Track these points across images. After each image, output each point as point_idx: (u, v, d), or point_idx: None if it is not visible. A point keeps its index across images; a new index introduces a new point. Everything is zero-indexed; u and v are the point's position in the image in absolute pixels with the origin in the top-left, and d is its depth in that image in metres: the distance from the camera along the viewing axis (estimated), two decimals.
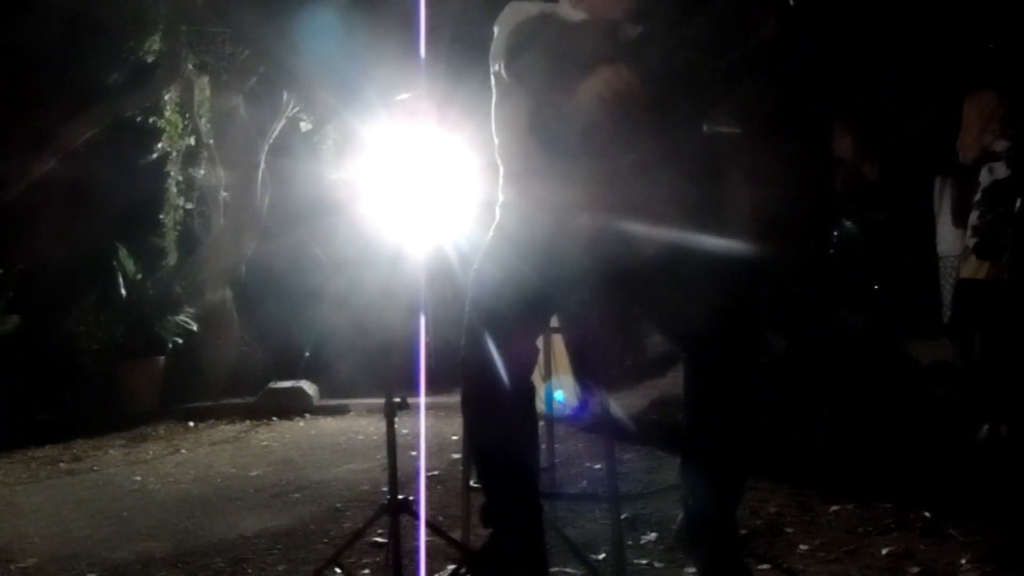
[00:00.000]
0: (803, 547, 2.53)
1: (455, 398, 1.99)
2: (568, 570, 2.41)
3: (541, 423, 2.40)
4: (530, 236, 1.99)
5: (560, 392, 4.22)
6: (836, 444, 3.70)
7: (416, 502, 2.30)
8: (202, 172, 6.73)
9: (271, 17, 5.93)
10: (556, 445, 2.96)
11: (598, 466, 3.64)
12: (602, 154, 1.94)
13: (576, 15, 2.05)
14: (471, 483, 2.43)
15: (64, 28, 5.86)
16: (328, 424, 5.53)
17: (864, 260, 4.44)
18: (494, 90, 2.11)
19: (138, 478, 4.23)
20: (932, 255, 4.31)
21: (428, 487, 3.46)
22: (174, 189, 6.68)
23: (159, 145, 6.59)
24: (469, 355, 1.95)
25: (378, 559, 2.60)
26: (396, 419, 2.32)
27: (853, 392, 4.21)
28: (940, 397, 4.27)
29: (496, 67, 2.07)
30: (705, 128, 2.08)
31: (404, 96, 2.52)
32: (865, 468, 3.31)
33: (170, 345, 6.32)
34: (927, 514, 2.67)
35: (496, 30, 2.09)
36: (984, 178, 3.53)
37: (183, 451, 4.87)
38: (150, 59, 6.41)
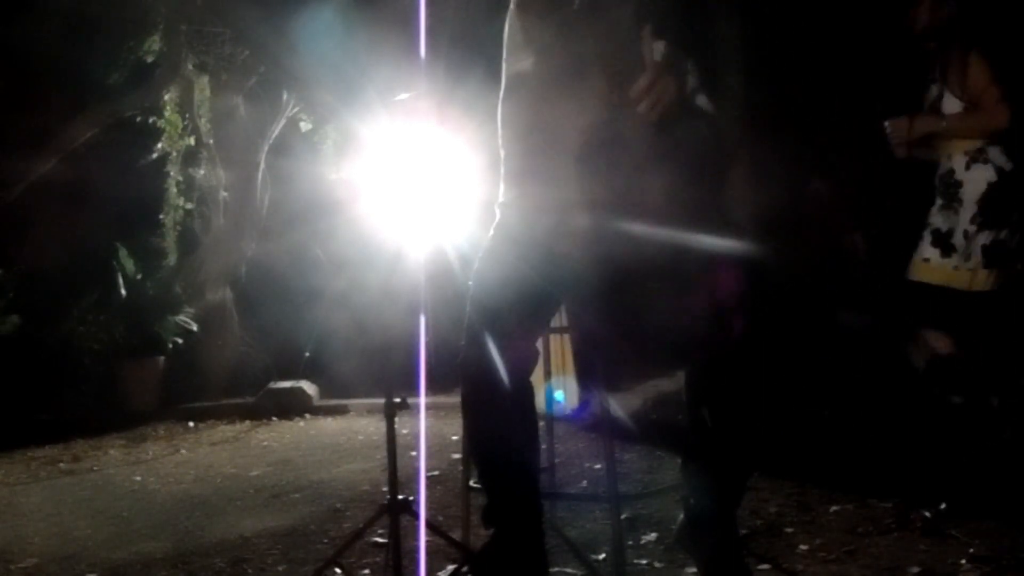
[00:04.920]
0: (803, 547, 2.53)
1: (455, 398, 2.00)
2: (568, 570, 2.41)
3: (541, 423, 2.40)
4: (530, 236, 1.99)
5: (560, 392, 4.22)
6: (836, 444, 3.70)
7: (416, 502, 2.30)
8: (202, 172, 6.74)
9: (271, 17, 5.92)
10: (556, 445, 2.96)
11: (598, 466, 3.63)
12: (602, 154, 1.94)
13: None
14: (471, 483, 2.43)
15: (64, 28, 5.86)
16: (328, 424, 5.53)
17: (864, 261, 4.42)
18: (502, 86, 2.10)
19: (138, 478, 4.23)
20: None
21: (428, 487, 3.46)
22: (174, 189, 6.69)
23: (159, 145, 6.59)
24: (469, 355, 1.95)
25: (378, 559, 2.60)
26: (396, 419, 2.32)
27: (853, 392, 4.21)
28: (940, 397, 4.26)
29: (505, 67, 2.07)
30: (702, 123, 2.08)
31: (404, 96, 2.52)
32: (865, 468, 3.31)
33: (170, 345, 6.33)
34: (927, 514, 2.67)
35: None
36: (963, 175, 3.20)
37: (183, 451, 4.87)
38: (150, 59, 6.42)
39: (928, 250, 3.27)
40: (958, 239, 3.19)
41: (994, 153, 3.16)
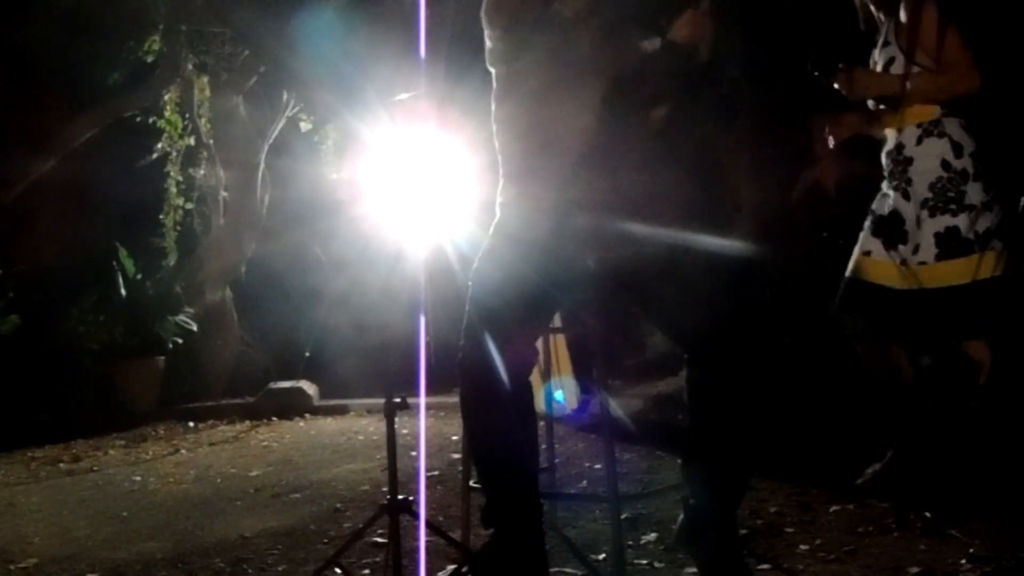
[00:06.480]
0: (803, 547, 2.53)
1: (455, 398, 2.00)
2: (568, 570, 2.41)
3: (541, 423, 2.40)
4: (530, 236, 1.99)
5: (560, 392, 4.22)
6: (836, 444, 3.70)
7: (416, 502, 2.30)
8: (202, 172, 6.74)
9: (271, 17, 5.92)
10: (556, 445, 2.96)
11: (598, 466, 3.63)
12: (601, 154, 1.94)
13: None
14: (471, 483, 2.43)
15: (64, 28, 5.86)
16: (328, 424, 5.53)
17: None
18: (494, 87, 2.10)
19: (138, 478, 4.23)
20: None
21: (428, 487, 3.46)
22: (174, 189, 6.69)
23: (159, 145, 6.60)
24: (468, 355, 1.95)
25: (378, 559, 2.60)
26: (396, 419, 2.32)
27: (852, 392, 4.20)
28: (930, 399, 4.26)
29: (495, 69, 2.07)
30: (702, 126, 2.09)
31: (404, 96, 2.52)
32: (865, 469, 3.30)
33: (170, 345, 6.32)
34: (927, 514, 2.67)
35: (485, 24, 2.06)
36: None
37: (183, 451, 4.87)
38: (150, 59, 6.42)
39: (870, 241, 2.80)
40: (910, 226, 2.73)
41: (951, 126, 2.70)
